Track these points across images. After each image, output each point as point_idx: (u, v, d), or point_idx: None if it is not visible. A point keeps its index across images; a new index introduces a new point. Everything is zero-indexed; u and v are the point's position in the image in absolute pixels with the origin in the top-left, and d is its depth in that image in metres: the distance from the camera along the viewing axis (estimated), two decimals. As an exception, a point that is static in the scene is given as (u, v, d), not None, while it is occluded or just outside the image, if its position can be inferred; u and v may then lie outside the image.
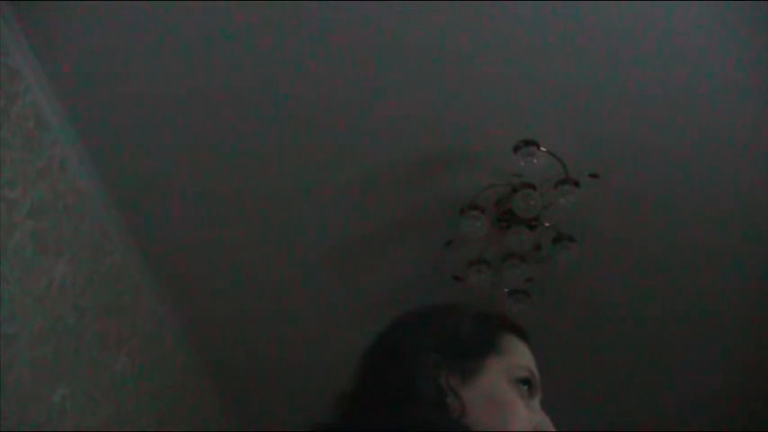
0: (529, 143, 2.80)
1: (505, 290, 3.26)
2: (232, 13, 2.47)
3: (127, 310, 3.23)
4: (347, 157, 2.97)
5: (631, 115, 2.80)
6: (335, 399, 1.02)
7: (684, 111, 2.78)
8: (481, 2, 2.45)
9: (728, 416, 4.08)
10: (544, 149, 2.82)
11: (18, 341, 2.44)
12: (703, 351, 3.83)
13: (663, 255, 3.36)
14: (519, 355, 1.08)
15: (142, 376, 3.32)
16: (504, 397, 1.02)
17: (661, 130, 2.85)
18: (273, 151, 2.94)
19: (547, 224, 3.06)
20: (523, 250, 3.10)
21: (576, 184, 2.88)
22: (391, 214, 3.20)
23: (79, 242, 2.86)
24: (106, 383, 3.01)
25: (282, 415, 4.02)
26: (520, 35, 2.56)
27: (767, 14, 2.38)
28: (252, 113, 2.80)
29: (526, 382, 1.05)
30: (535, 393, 1.06)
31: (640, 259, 3.39)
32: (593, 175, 2.92)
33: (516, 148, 2.80)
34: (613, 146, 2.91)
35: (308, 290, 3.55)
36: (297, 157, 2.96)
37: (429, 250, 3.28)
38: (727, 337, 3.74)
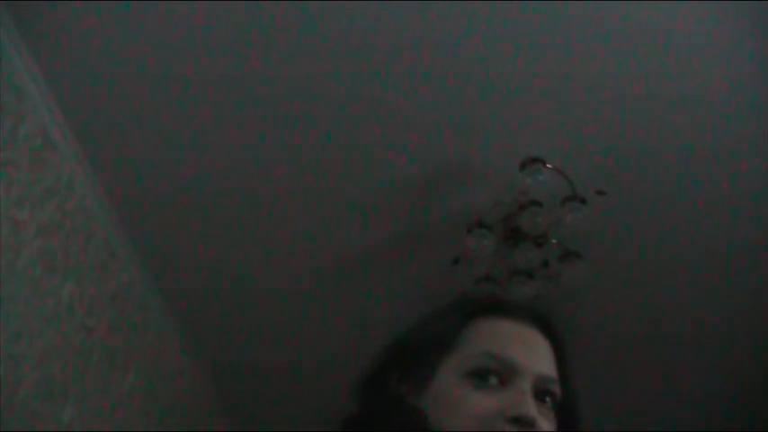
0: (535, 161, 2.80)
1: (513, 307, 3.24)
2: (243, 28, 2.48)
3: (134, 329, 3.24)
4: (354, 173, 2.97)
5: (639, 132, 2.79)
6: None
7: (694, 126, 2.76)
8: (489, 18, 2.45)
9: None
10: (550, 166, 2.82)
11: (26, 361, 2.44)
12: (713, 367, 3.81)
13: (670, 271, 3.34)
14: (479, 342, 1.01)
15: (150, 394, 3.32)
16: (451, 394, 0.97)
17: (669, 147, 2.84)
18: (280, 168, 2.94)
19: (554, 241, 3.05)
20: (531, 267, 3.09)
21: (583, 200, 2.87)
22: (398, 231, 3.20)
23: (86, 262, 2.87)
24: (114, 402, 3.01)
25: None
26: (525, 53, 2.56)
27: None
28: (259, 130, 2.81)
29: (483, 370, 0.97)
30: (512, 377, 0.97)
31: (648, 275, 3.37)
32: (601, 192, 2.91)
33: (523, 166, 2.81)
34: (620, 162, 2.90)
35: (317, 307, 3.55)
36: (303, 173, 2.96)
37: (436, 267, 3.27)
38: (738, 356, 3.71)
